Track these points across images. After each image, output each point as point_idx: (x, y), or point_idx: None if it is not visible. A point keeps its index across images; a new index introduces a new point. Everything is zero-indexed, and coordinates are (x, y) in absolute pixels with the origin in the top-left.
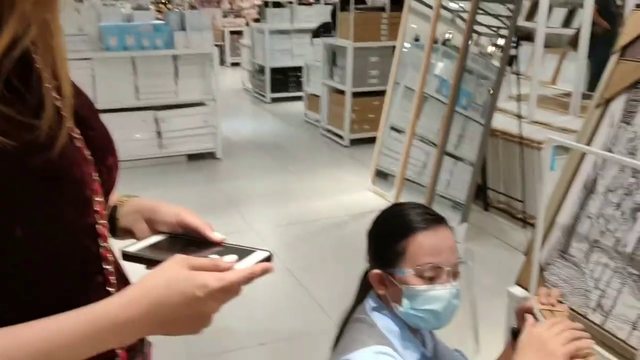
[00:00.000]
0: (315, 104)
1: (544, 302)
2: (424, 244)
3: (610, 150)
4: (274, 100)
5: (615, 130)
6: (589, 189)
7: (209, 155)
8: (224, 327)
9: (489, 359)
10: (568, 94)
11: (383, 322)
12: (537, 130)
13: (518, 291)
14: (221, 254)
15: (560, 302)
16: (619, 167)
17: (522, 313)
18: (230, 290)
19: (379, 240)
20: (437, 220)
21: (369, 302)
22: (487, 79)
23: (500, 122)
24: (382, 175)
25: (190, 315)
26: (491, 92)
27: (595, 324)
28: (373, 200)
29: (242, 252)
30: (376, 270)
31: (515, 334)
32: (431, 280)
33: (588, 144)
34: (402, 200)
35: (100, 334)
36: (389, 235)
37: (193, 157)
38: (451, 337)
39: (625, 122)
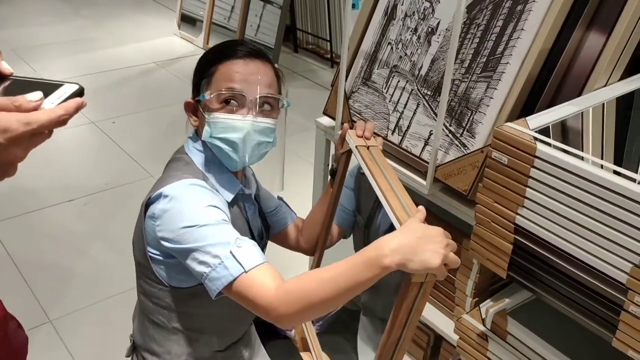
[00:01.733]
0: None
1: (359, 136)
2: (229, 70)
3: None
4: None
5: None
6: (390, 16)
7: None
8: (25, 187)
9: (294, 191)
10: None
11: (199, 159)
12: None
13: (325, 120)
14: (20, 89)
15: (377, 134)
16: None
17: (340, 145)
18: (39, 134)
19: (195, 71)
20: (252, 54)
21: (188, 141)
22: None
23: None
24: (189, 20)
25: None
26: None
27: (394, 144)
28: (180, 45)
29: (47, 87)
30: (189, 99)
31: (333, 173)
32: (232, 109)
33: None
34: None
35: None
36: (203, 64)
37: None
38: (262, 176)
39: None
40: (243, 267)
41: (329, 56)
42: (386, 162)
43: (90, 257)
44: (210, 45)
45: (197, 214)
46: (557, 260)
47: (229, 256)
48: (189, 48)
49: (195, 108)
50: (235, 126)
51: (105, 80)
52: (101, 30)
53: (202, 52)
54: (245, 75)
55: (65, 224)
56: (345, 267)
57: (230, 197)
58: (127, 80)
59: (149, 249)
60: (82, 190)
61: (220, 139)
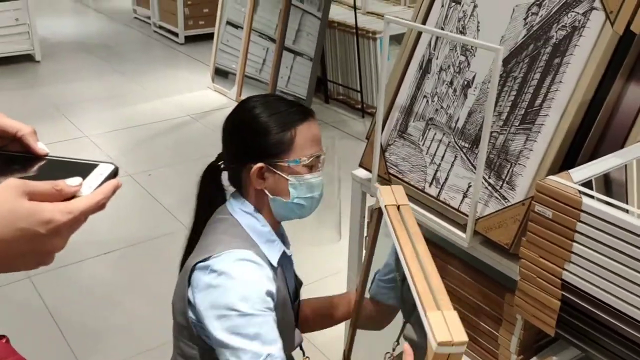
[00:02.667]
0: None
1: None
2: (309, 134)
3: (442, 29)
4: None
5: (445, 10)
6: (425, 69)
7: (25, 58)
8: None
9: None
10: None
11: (247, 221)
12: (371, 20)
13: (362, 173)
14: (56, 170)
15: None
16: (451, 45)
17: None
18: (78, 221)
19: (257, 133)
20: (311, 112)
21: (232, 203)
22: None
23: (336, 13)
24: (221, 73)
25: (29, 253)
26: None
27: (431, 196)
28: (214, 98)
29: (83, 168)
30: (258, 164)
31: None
32: (311, 168)
33: (422, 24)
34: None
35: None
36: (272, 127)
37: (6, 61)
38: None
39: (456, 2)
40: None
41: (359, 106)
42: (415, 225)
43: (126, 309)
44: (244, 96)
45: (241, 301)
46: (608, 318)
47: None
48: (222, 101)
49: (263, 170)
50: (316, 184)
51: (141, 134)
52: (136, 85)
53: (234, 104)
54: (318, 135)
55: (101, 277)
56: None
57: (275, 260)
58: (162, 133)
59: (191, 312)
60: (119, 242)
61: (306, 198)
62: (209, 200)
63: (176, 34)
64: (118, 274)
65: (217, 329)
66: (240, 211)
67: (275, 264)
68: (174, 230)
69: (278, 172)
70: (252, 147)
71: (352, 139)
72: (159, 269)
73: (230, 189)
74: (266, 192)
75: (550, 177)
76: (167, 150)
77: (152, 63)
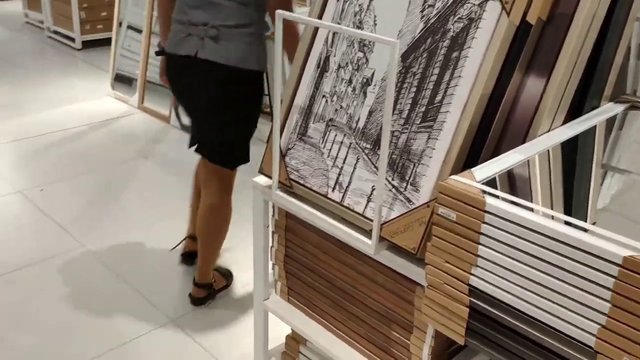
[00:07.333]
0: (37, 3)
1: None
2: None
3: (339, 25)
4: None
5: (341, 4)
6: (323, 68)
7: None
8: None
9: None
10: None
11: None
12: None
13: (262, 180)
14: None
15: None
16: (348, 42)
17: None
18: None
19: None
20: None
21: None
22: None
23: None
24: (124, 80)
25: None
26: None
27: (335, 201)
28: (115, 106)
29: None
30: None
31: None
32: None
33: (318, 19)
34: (147, 104)
35: None
36: None
37: None
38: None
39: None
40: None
41: (268, 111)
42: None
43: (10, 345)
44: (147, 104)
45: None
46: (518, 323)
47: None
48: (123, 108)
49: None
50: None
51: (33, 146)
52: (30, 93)
53: (137, 111)
54: None
55: None
56: None
57: None
58: (57, 145)
59: None
60: (9, 265)
61: None
62: None
63: (72, 39)
64: (3, 300)
65: None
66: None
67: None
68: (69, 249)
69: None
70: None
71: (262, 143)
72: (51, 294)
73: None
74: None
75: (453, 176)
76: (62, 162)
77: (47, 70)
